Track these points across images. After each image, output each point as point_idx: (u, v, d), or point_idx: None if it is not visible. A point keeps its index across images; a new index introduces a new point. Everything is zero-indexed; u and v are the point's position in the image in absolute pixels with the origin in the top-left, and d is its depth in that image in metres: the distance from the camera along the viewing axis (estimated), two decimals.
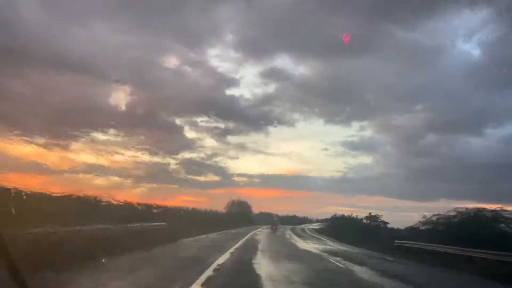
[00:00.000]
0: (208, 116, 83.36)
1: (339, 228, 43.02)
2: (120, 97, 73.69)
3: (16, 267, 2.26)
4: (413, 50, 67.19)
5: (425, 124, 72.87)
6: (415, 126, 74.31)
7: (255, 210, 76.56)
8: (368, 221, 41.20)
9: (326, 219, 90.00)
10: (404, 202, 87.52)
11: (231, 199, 64.56)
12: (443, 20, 67.14)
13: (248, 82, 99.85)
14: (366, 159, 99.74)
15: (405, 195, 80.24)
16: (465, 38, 78.76)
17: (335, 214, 55.23)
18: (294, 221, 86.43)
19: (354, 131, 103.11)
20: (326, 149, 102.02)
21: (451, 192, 70.48)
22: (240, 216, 58.89)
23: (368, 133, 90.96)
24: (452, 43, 70.27)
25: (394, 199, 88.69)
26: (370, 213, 41.59)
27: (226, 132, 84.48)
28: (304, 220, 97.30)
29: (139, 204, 22.91)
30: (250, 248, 19.41)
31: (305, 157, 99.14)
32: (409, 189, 75.72)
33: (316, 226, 73.79)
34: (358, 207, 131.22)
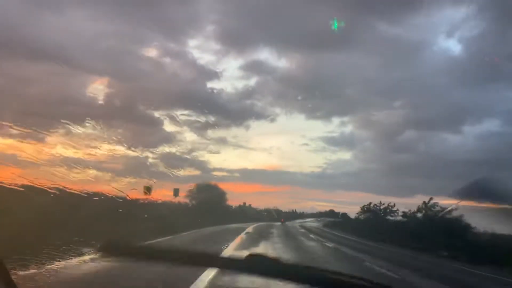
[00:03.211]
0: (188, 110, 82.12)
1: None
2: (97, 89, 71.56)
3: (2, 264, 2.08)
4: (394, 45, 67.40)
5: (404, 120, 73.10)
6: (394, 122, 74.32)
7: (234, 203, 69.16)
8: None
9: (314, 213, 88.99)
10: (381, 198, 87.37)
11: (196, 183, 46.44)
12: (425, 15, 66.85)
13: (229, 75, 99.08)
14: (345, 155, 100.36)
15: (382, 190, 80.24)
16: (446, 34, 79.55)
17: (382, 206, 39.11)
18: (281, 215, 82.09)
19: (334, 126, 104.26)
20: (306, 144, 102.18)
21: (427, 188, 70.13)
22: (210, 207, 39.37)
23: (348, 128, 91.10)
24: (434, 39, 70.02)
25: (372, 194, 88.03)
26: None
27: (207, 126, 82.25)
28: (294, 215, 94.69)
29: None
30: None
31: (285, 152, 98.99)
32: (386, 185, 75.79)
33: (314, 222, 67.49)
34: (336, 202, 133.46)
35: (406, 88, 73.37)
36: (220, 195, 49.01)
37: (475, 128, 72.60)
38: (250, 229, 29.64)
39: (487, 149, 62.78)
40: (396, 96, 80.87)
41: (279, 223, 54.60)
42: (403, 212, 29.59)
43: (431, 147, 71.14)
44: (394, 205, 37.20)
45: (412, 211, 27.54)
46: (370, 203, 42.10)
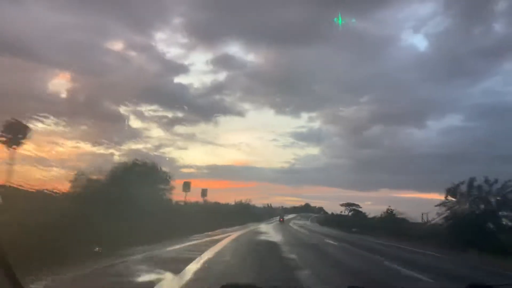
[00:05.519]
0: (155, 105, 78.30)
1: None
2: (59, 83, 66.61)
3: (9, 265, 2.08)
4: (362, 41, 67.73)
5: (370, 115, 74.10)
6: (361, 118, 75.18)
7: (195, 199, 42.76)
8: None
9: (289, 208, 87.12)
10: (347, 192, 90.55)
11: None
12: (392, 11, 67.78)
13: (197, 70, 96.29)
14: (313, 150, 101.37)
15: (348, 185, 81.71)
16: (413, 30, 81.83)
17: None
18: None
19: (303, 122, 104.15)
20: (275, 139, 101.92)
21: (392, 182, 71.84)
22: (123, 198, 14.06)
23: (317, 124, 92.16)
24: (400, 35, 70.97)
25: (338, 188, 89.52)
26: None
27: (174, 121, 78.83)
28: (270, 211, 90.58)
29: None
30: None
31: (254, 147, 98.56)
32: (353, 179, 77.06)
33: (302, 220, 66.75)
34: (304, 197, 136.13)
35: (373, 83, 74.30)
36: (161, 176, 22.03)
37: (439, 123, 74.83)
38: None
39: (450, 144, 64.28)
40: (363, 92, 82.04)
41: (264, 225, 42.95)
42: None
43: (396, 142, 72.33)
44: None
45: None
46: (463, 182, 22.17)
